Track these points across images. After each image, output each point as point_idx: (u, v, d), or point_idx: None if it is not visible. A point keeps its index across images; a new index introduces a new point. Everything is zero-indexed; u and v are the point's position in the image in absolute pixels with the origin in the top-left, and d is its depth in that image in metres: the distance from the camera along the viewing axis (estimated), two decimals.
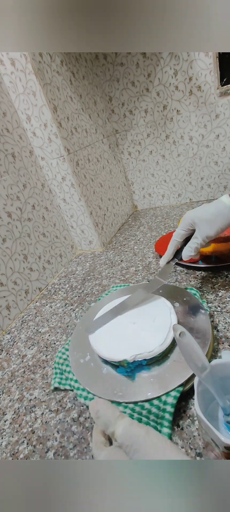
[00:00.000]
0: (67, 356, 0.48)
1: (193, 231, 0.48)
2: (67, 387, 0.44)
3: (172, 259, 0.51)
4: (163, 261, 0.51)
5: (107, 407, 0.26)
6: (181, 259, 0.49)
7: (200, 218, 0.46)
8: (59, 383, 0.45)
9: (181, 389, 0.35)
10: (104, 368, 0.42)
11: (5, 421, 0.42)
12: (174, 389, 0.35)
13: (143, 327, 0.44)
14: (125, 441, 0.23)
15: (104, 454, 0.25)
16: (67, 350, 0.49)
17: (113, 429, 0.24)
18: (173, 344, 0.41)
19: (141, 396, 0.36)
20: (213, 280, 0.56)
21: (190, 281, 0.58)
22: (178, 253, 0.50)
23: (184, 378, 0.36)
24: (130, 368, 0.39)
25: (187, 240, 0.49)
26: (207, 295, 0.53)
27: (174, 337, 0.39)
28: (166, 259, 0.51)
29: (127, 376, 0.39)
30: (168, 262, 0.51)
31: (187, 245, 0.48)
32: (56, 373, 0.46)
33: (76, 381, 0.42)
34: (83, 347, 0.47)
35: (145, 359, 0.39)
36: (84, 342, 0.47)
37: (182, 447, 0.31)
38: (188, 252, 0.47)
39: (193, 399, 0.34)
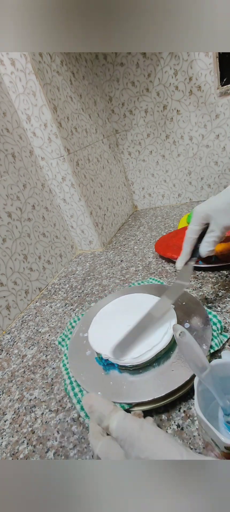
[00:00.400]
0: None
1: (207, 226, 0.44)
2: (62, 349, 0.51)
3: (190, 258, 0.46)
4: (180, 262, 0.47)
5: (100, 401, 0.26)
6: (199, 257, 0.46)
7: (214, 209, 0.43)
8: (59, 342, 0.53)
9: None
10: (88, 351, 0.45)
11: (5, 421, 0.42)
12: (114, 402, 0.35)
13: (131, 333, 0.43)
14: (119, 435, 0.23)
15: (101, 444, 0.25)
16: (79, 319, 0.56)
17: (108, 423, 0.24)
18: (152, 363, 0.40)
19: (92, 389, 0.39)
20: (213, 280, 0.56)
21: (190, 281, 0.58)
22: (193, 252, 0.46)
23: (133, 400, 0.35)
24: (103, 363, 0.42)
25: (200, 237, 0.45)
26: (207, 295, 0.53)
27: (150, 357, 0.39)
28: (183, 260, 0.46)
29: (102, 366, 0.42)
30: (186, 263, 0.46)
31: (203, 241, 0.44)
32: (63, 333, 0.55)
33: (67, 348, 0.49)
34: (89, 324, 0.49)
35: (116, 363, 0.40)
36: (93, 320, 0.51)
37: None
38: (206, 248, 0.43)
39: (193, 399, 0.34)
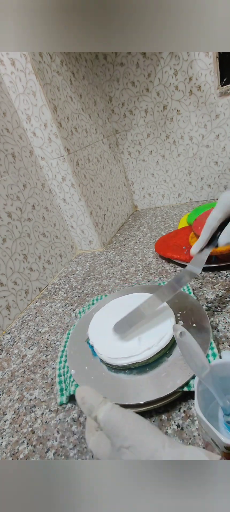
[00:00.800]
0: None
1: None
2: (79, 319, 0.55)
3: (207, 246, 0.43)
4: (195, 248, 0.44)
5: (91, 393, 0.27)
6: (216, 246, 0.43)
7: None
8: (79, 312, 0.58)
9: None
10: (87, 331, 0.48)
11: (5, 421, 0.42)
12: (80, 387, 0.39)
13: (124, 321, 0.44)
14: (105, 426, 0.24)
15: (93, 439, 0.26)
16: (101, 298, 0.60)
17: (96, 414, 0.25)
18: (125, 369, 0.40)
19: (71, 365, 0.43)
20: (213, 280, 0.56)
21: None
22: (211, 240, 0.43)
23: (98, 397, 0.37)
24: (90, 348, 0.45)
25: (221, 226, 0.43)
26: (207, 295, 0.53)
27: (122, 365, 0.39)
28: (199, 246, 0.43)
29: (91, 349, 0.45)
30: (201, 250, 0.44)
31: (224, 231, 0.41)
32: (85, 306, 0.59)
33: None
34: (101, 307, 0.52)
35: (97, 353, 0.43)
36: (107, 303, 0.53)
37: None
38: (226, 239, 0.41)
39: (193, 399, 0.34)
